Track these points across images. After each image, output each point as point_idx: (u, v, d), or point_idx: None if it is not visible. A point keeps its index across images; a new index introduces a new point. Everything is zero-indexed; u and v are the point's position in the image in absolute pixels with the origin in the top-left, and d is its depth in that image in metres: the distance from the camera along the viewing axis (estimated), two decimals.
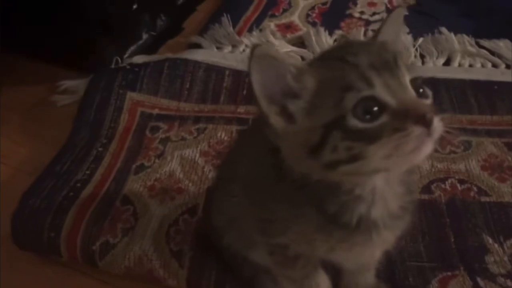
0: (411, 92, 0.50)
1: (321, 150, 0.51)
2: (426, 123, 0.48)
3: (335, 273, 0.81)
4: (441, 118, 0.50)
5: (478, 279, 0.84)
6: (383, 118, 0.49)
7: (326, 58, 0.54)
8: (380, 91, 0.49)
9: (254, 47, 0.50)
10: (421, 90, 0.52)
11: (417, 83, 0.52)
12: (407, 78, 0.51)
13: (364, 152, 0.49)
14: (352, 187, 0.56)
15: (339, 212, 0.58)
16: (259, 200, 0.65)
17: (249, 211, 0.69)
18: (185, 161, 1.07)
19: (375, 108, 0.49)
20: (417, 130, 0.48)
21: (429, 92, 0.53)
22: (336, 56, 0.53)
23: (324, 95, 0.51)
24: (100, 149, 1.10)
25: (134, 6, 1.42)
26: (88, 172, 1.05)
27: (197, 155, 1.08)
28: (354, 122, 0.49)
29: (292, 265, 0.70)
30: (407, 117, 0.48)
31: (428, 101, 0.53)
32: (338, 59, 0.52)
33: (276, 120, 0.53)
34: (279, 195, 0.61)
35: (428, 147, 0.49)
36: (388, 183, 0.57)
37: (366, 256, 0.69)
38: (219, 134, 1.13)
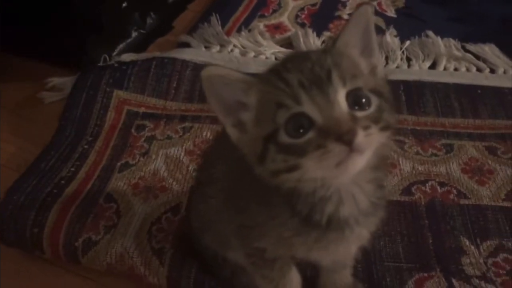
0: (340, 108, 0.51)
1: (264, 160, 0.54)
2: (346, 141, 0.49)
3: (313, 272, 0.82)
4: (373, 131, 0.51)
5: (453, 280, 0.86)
6: (310, 134, 0.51)
7: (270, 72, 0.56)
8: (308, 108, 0.51)
9: (204, 69, 0.54)
10: (363, 100, 0.53)
11: (357, 93, 0.52)
12: (339, 93, 0.51)
13: (298, 164, 0.52)
14: (312, 190, 0.57)
15: (310, 213, 0.60)
16: (239, 207, 0.67)
17: (228, 218, 0.71)
18: (170, 159, 1.08)
19: (305, 123, 0.51)
20: (336, 148, 0.49)
21: (373, 101, 0.53)
22: (276, 70, 0.54)
23: (265, 109, 0.54)
24: (85, 146, 1.11)
25: (124, 4, 1.43)
26: (72, 169, 1.06)
27: (182, 154, 1.09)
28: (284, 138, 0.52)
29: (270, 266, 0.72)
30: (329, 135, 0.50)
31: (366, 112, 0.53)
32: (276, 74, 0.53)
33: (231, 131, 0.57)
34: (256, 198, 0.63)
35: (356, 161, 0.51)
36: (354, 182, 0.59)
37: (342, 253, 0.71)
38: (204, 133, 1.14)
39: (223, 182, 0.72)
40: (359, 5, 0.57)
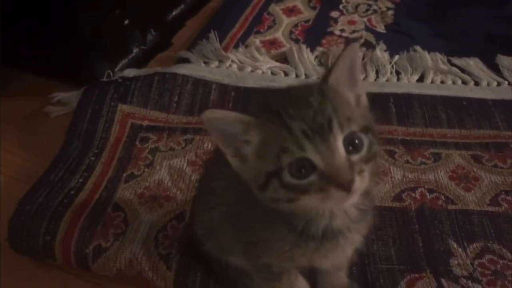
0: (339, 155, 0.56)
1: (266, 189, 0.60)
2: (346, 189, 0.56)
3: (311, 275, 0.88)
4: (366, 174, 0.58)
5: (442, 281, 0.92)
6: (312, 178, 0.57)
7: (270, 112, 0.59)
8: (311, 155, 0.56)
9: (203, 112, 0.59)
10: (357, 141, 0.58)
11: (352, 137, 0.58)
12: (338, 139, 0.57)
13: (298, 198, 0.58)
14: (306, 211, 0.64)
15: (305, 227, 0.66)
16: (242, 224, 0.72)
17: (234, 236, 0.76)
18: (173, 170, 1.13)
19: (307, 166, 0.57)
20: (337, 193, 0.56)
21: (365, 141, 0.59)
22: (278, 113, 0.58)
23: (267, 148, 0.59)
24: (92, 158, 1.16)
25: (126, 22, 1.49)
26: (81, 180, 1.11)
27: (185, 164, 1.14)
28: (288, 178, 0.58)
29: (278, 279, 0.78)
30: (331, 181, 0.56)
31: (360, 154, 0.58)
32: (278, 118, 0.58)
33: (232, 160, 0.62)
34: (256, 214, 0.68)
35: (350, 201, 0.58)
36: None
37: (340, 257, 0.76)
38: (205, 145, 1.19)
39: (224, 198, 0.77)
40: (348, 43, 0.62)
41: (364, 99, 0.65)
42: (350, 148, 0.58)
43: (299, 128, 0.56)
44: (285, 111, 0.58)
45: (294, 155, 0.57)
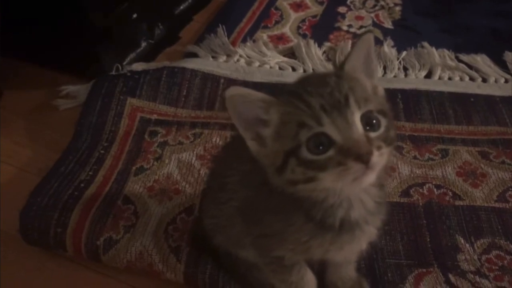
0: (357, 129, 0.57)
1: (283, 171, 0.60)
2: (364, 161, 0.56)
3: (319, 268, 0.89)
4: (384, 151, 0.58)
5: (450, 275, 0.93)
6: (330, 152, 0.57)
7: (290, 93, 0.61)
8: (329, 129, 0.57)
9: (227, 89, 0.60)
10: (374, 121, 0.59)
11: (369, 115, 0.58)
12: (356, 115, 0.57)
13: (316, 176, 0.58)
14: (323, 198, 0.64)
15: (323, 217, 0.66)
16: (255, 218, 0.73)
17: (246, 230, 0.77)
18: (182, 164, 1.14)
19: (325, 142, 0.57)
20: (355, 166, 0.56)
21: (382, 122, 0.59)
22: (297, 92, 0.60)
23: (286, 127, 0.60)
24: (101, 151, 1.17)
25: (134, 16, 1.49)
26: (91, 173, 1.11)
27: (194, 158, 1.15)
28: (306, 154, 0.58)
29: (288, 271, 0.78)
30: (349, 154, 0.56)
31: (378, 133, 0.59)
32: (297, 96, 0.59)
33: (251, 144, 0.63)
34: (271, 207, 0.69)
35: (369, 177, 0.58)
36: (362, 189, 0.65)
37: (355, 250, 0.77)
38: (214, 139, 1.20)
39: (235, 194, 0.77)
40: (363, 33, 0.62)
41: (381, 90, 0.65)
42: (368, 128, 0.58)
43: (317, 103, 0.57)
44: (304, 90, 0.59)
45: (312, 129, 0.57)
